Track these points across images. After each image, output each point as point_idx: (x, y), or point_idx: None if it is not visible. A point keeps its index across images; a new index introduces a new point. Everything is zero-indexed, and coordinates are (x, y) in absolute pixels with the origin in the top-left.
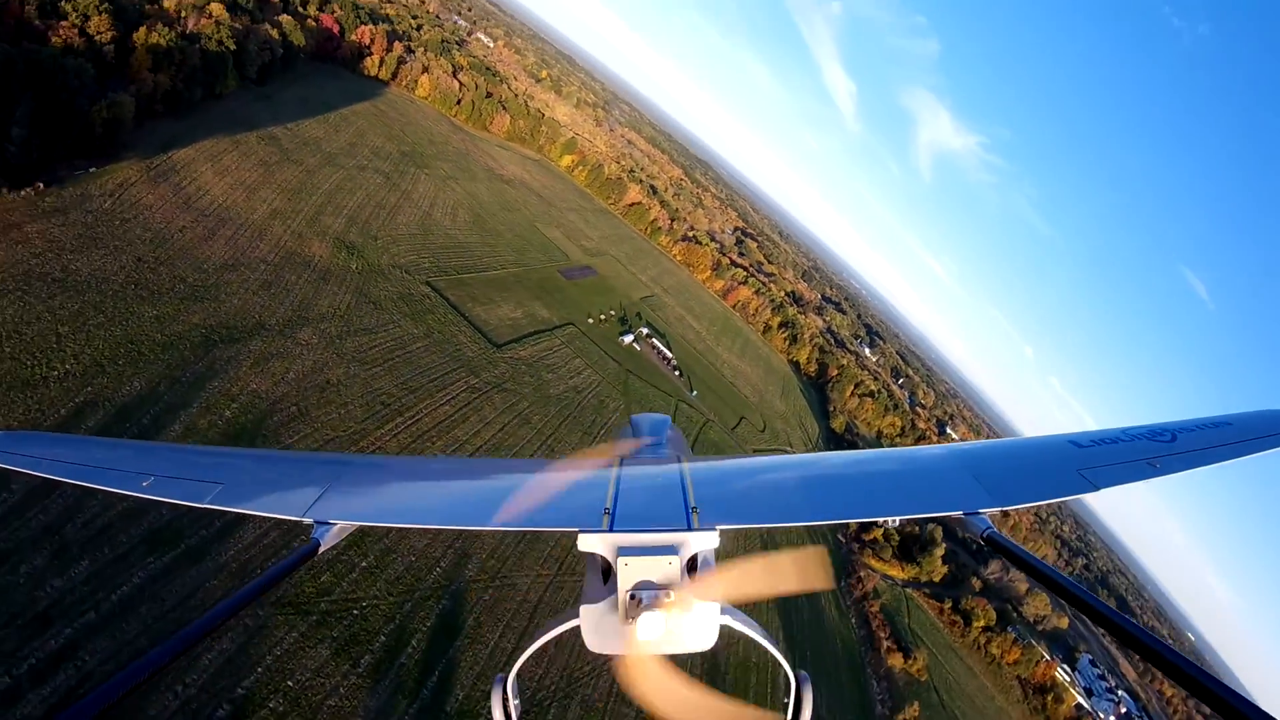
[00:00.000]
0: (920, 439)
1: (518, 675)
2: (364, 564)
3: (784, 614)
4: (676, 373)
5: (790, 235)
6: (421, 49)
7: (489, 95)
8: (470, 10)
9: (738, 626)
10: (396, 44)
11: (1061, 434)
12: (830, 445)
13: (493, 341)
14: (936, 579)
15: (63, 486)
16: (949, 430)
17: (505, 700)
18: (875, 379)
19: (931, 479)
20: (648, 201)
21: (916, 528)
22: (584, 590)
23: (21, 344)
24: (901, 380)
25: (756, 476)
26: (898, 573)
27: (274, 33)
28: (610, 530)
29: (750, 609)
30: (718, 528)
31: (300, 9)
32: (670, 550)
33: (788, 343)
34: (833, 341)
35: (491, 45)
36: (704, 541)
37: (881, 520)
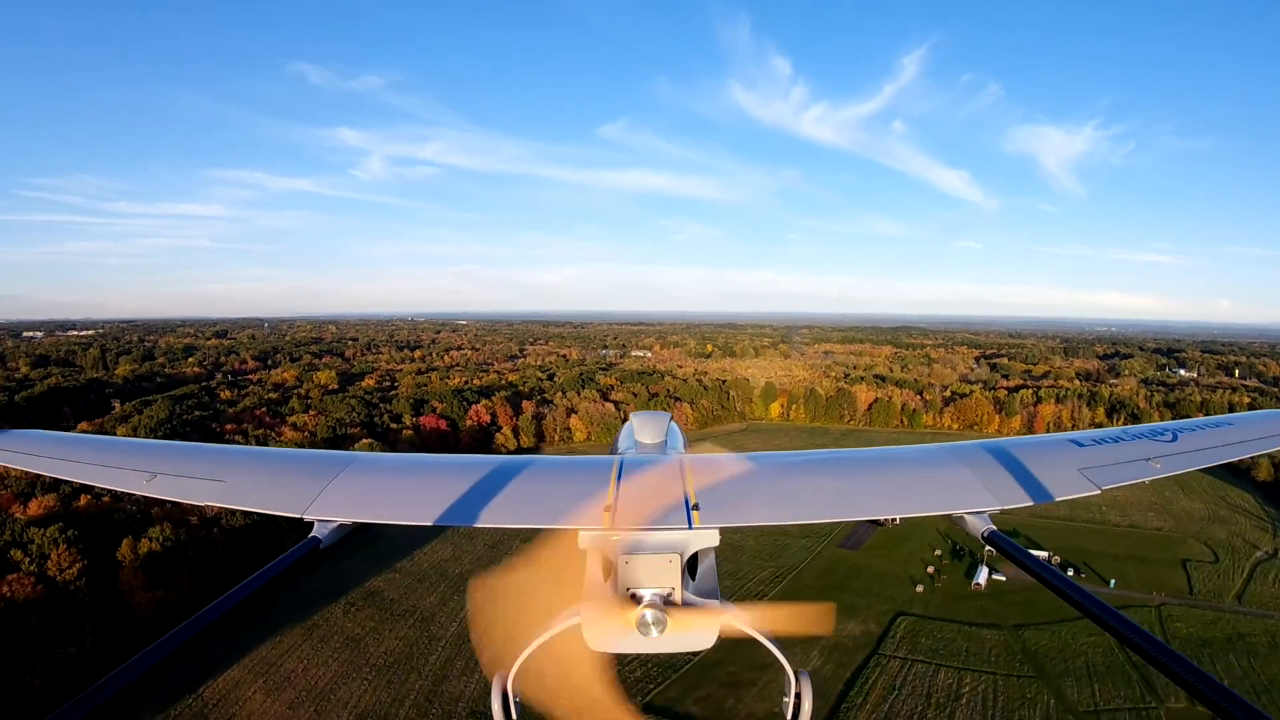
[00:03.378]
0: None
1: (518, 673)
2: None
3: None
4: (1072, 571)
5: (1025, 332)
6: (559, 393)
7: (654, 396)
8: (616, 339)
9: (738, 625)
10: (525, 404)
11: (1062, 434)
12: None
13: None
14: None
15: None
16: None
17: (506, 698)
18: (1227, 389)
19: (934, 478)
20: (883, 392)
21: None
22: (585, 588)
23: None
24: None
25: (757, 475)
26: None
27: None
28: (611, 529)
29: None
30: (718, 527)
31: (392, 424)
32: (671, 549)
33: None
34: (1160, 388)
35: (648, 354)
36: (704, 540)
37: (884, 519)
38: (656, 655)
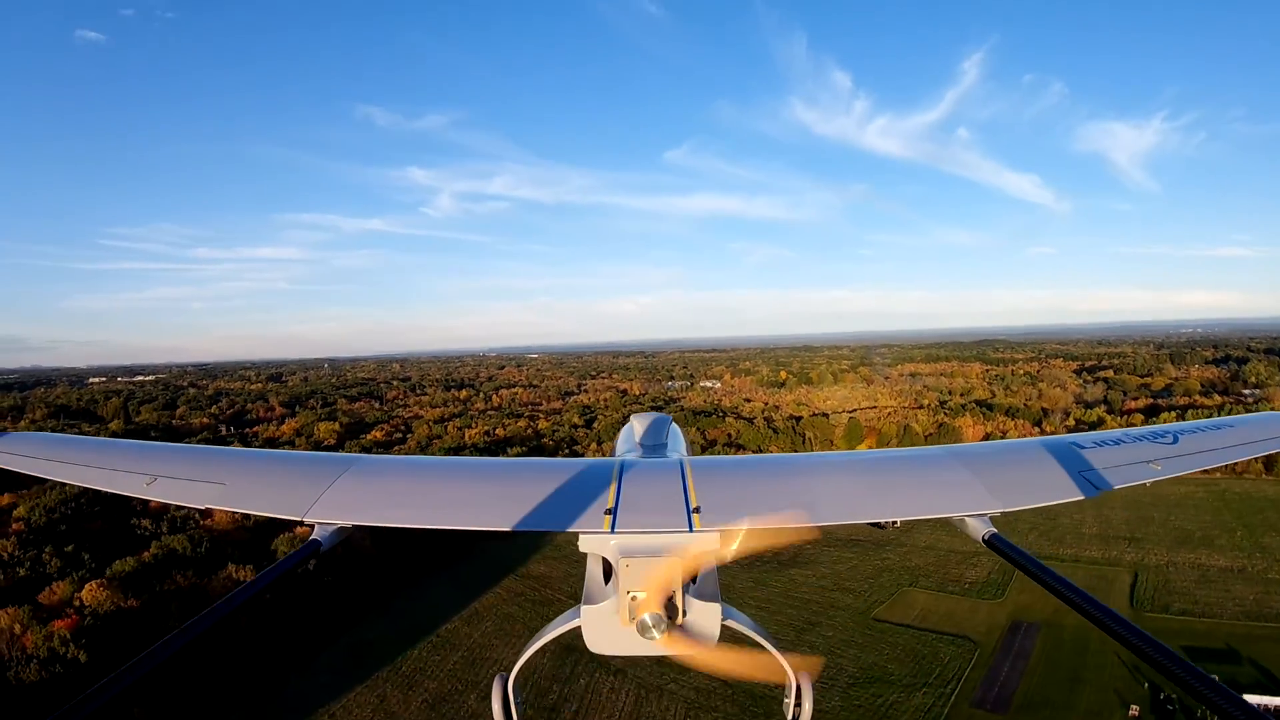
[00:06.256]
0: None
1: (518, 674)
2: None
3: None
4: None
5: (1112, 339)
6: (593, 444)
7: (710, 444)
8: (684, 368)
9: (738, 627)
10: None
11: (1063, 435)
12: None
13: None
14: None
15: None
16: None
17: (506, 699)
18: None
19: (934, 480)
20: (993, 424)
21: None
22: (585, 590)
23: None
24: None
25: (758, 477)
26: None
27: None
28: (612, 531)
29: None
30: (719, 530)
31: None
32: (671, 551)
33: None
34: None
35: (716, 385)
36: (705, 543)
37: (885, 521)
38: (657, 658)
